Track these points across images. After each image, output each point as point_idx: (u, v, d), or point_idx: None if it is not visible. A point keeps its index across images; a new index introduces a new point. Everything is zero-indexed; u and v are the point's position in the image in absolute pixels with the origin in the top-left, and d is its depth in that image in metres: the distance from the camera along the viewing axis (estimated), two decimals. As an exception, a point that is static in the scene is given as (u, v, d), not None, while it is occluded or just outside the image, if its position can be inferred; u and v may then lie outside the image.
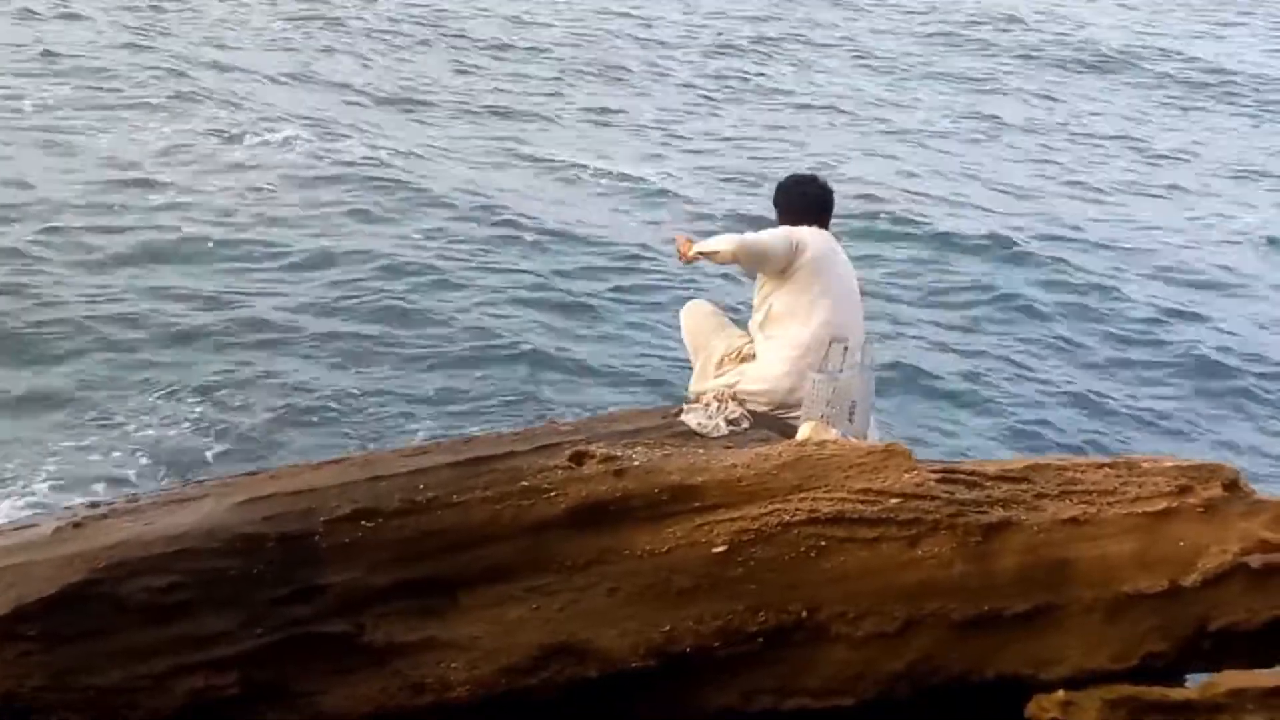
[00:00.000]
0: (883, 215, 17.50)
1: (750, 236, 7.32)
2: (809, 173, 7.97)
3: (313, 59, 22.57)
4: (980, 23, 29.36)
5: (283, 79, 21.24)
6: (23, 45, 21.37)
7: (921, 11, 30.19)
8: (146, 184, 16.22)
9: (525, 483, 5.76)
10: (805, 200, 7.49)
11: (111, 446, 10.51)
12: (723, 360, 7.42)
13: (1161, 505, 5.64)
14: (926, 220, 17.43)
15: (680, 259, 7.42)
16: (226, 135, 18.12)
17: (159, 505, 5.90)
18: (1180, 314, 15.51)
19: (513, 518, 5.62)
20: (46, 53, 21.00)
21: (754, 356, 7.35)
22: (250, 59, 22.07)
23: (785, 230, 7.28)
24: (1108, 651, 5.50)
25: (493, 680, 5.34)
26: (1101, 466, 5.94)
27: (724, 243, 7.29)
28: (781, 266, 7.17)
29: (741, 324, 7.61)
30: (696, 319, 7.71)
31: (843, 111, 22.49)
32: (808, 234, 7.25)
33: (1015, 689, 5.51)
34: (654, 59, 24.54)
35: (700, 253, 7.26)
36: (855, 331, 7.25)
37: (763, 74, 24.50)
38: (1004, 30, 28.86)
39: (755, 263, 7.28)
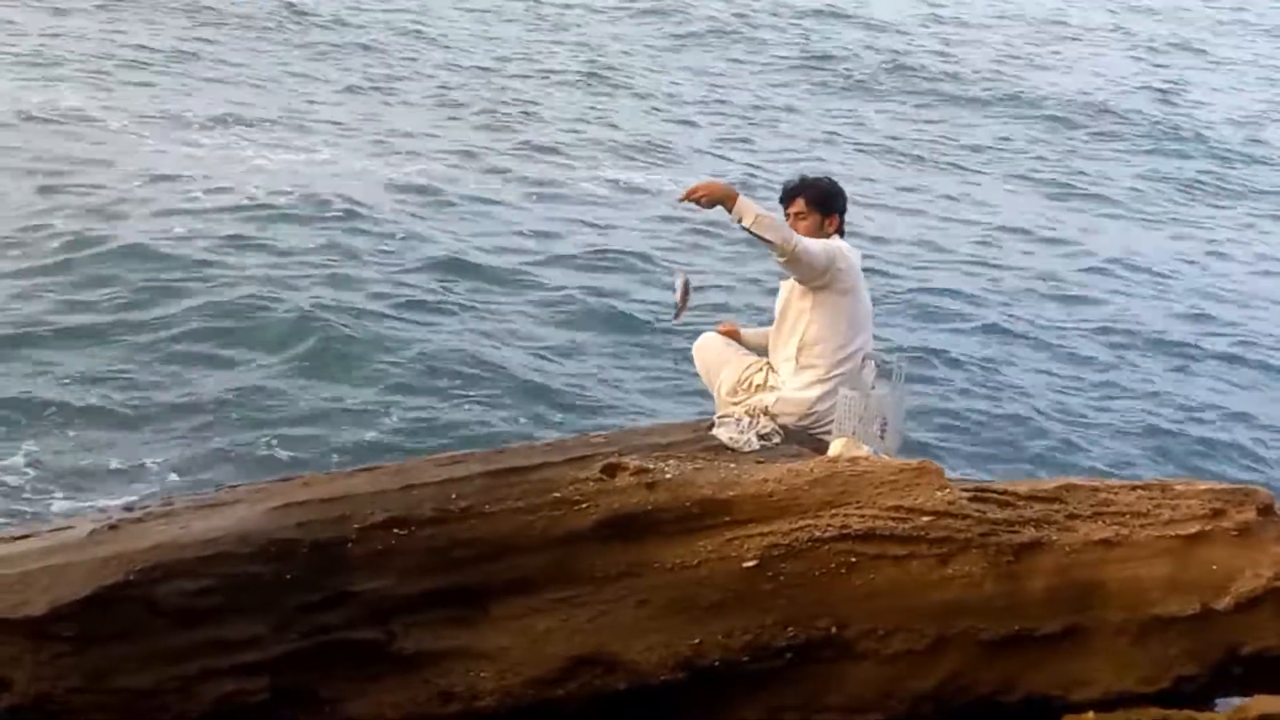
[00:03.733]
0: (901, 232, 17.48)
1: (801, 242, 6.90)
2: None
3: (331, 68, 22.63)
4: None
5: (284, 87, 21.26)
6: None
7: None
8: (173, 192, 16.33)
9: (557, 494, 5.77)
10: (843, 203, 7.44)
11: (147, 451, 10.56)
12: (735, 390, 7.39)
13: (1194, 528, 5.62)
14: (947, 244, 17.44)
15: (697, 199, 6.80)
16: (253, 146, 18.19)
17: (193, 509, 5.92)
18: (1214, 335, 15.44)
19: (544, 529, 5.64)
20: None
21: (765, 385, 7.30)
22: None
23: (830, 247, 7.10)
24: (1138, 674, 5.49)
25: (521, 690, 5.35)
26: (1134, 488, 5.93)
27: (782, 231, 6.82)
28: (814, 282, 7.11)
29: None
30: (706, 353, 7.67)
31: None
32: (845, 250, 7.20)
33: (1044, 710, 5.50)
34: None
35: (749, 226, 6.72)
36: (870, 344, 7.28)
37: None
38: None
39: (793, 266, 6.97)
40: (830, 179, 7.56)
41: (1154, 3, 36.54)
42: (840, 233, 7.36)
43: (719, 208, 6.81)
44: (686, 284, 7.37)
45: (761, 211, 6.79)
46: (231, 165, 17.41)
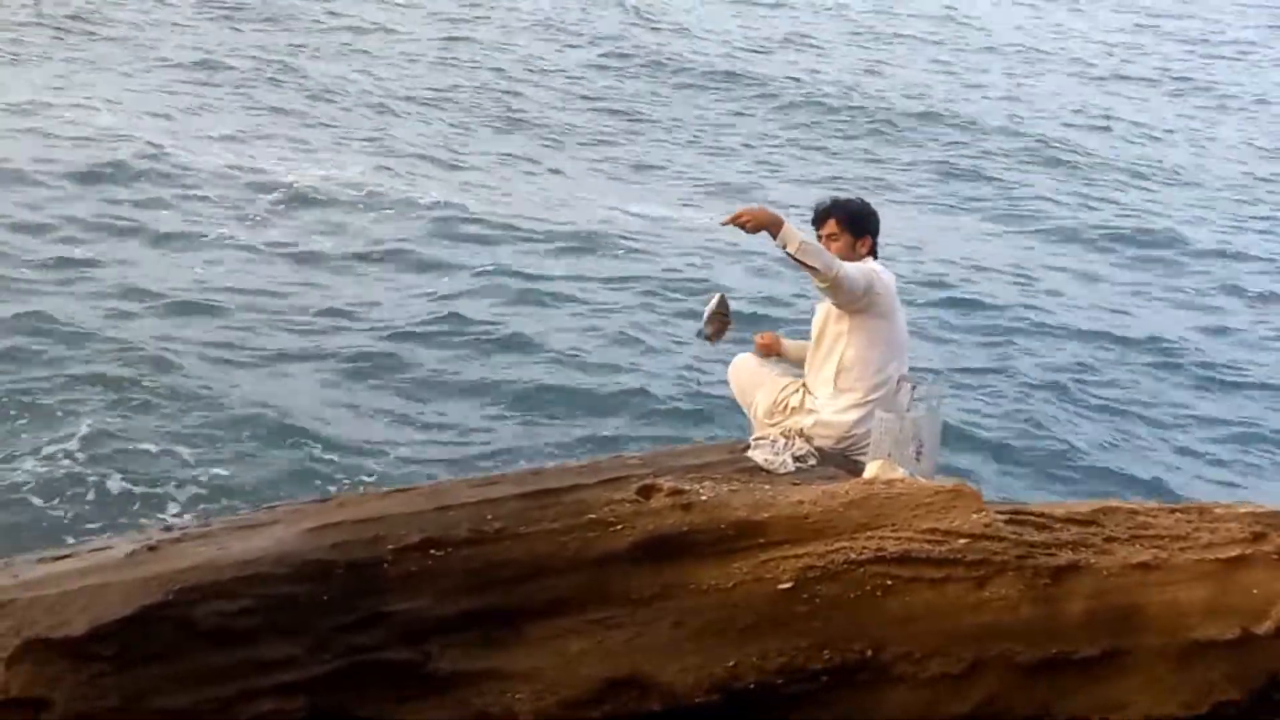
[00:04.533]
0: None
1: (842, 268, 6.93)
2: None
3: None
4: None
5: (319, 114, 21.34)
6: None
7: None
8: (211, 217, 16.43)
9: (592, 515, 5.77)
10: (876, 223, 7.43)
11: (185, 470, 10.62)
12: (771, 411, 7.38)
13: (1234, 552, 5.58)
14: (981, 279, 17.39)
15: (743, 223, 6.83)
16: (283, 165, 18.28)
17: (231, 530, 5.96)
18: (1257, 361, 15.35)
19: (579, 550, 5.64)
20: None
21: (801, 407, 7.29)
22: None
23: (867, 271, 7.11)
24: (1177, 699, 5.45)
25: (556, 712, 5.34)
26: (1173, 511, 5.90)
27: (824, 257, 6.87)
28: (853, 307, 7.11)
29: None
30: (741, 375, 7.67)
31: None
32: (881, 273, 7.20)
33: (1082, 734, 5.47)
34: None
35: (793, 252, 6.77)
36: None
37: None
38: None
39: (834, 292, 7.00)
40: (861, 200, 7.57)
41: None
42: (873, 253, 7.36)
43: (764, 233, 6.85)
44: (723, 306, 7.38)
45: (805, 238, 6.84)
46: (252, 176, 17.50)
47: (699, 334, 7.56)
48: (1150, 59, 31.16)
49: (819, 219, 7.33)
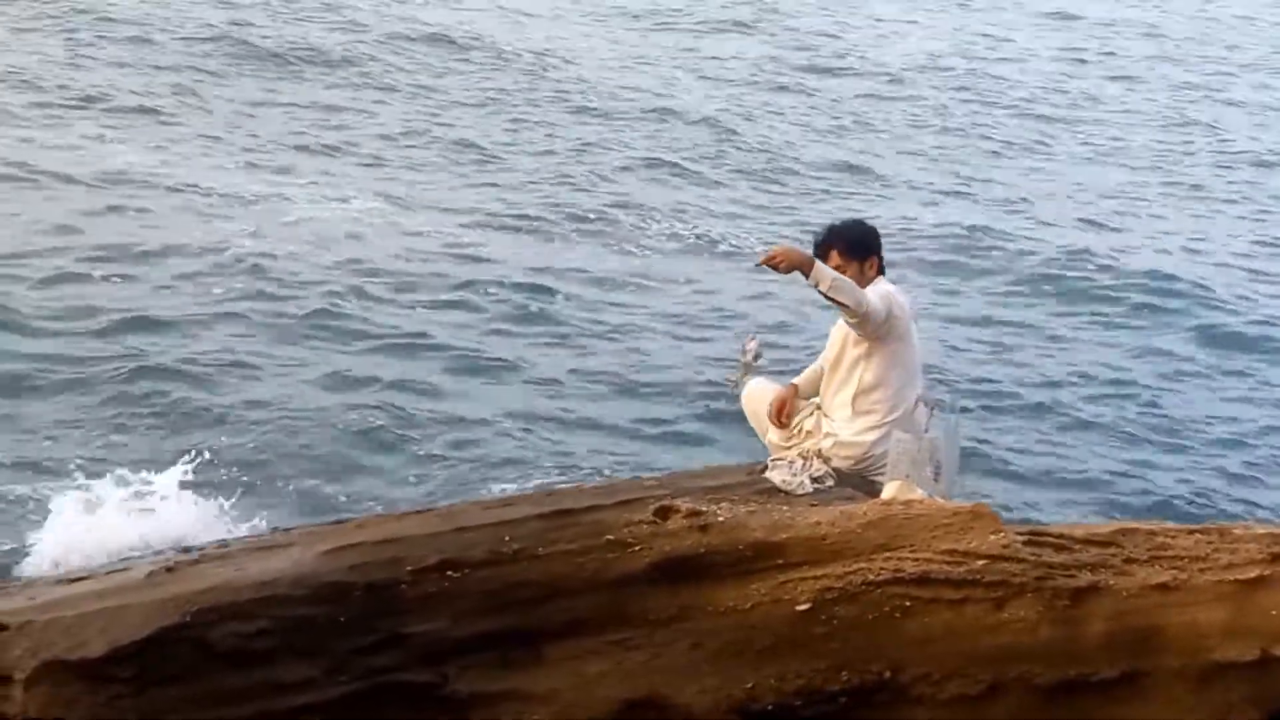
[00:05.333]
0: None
1: (870, 303, 6.99)
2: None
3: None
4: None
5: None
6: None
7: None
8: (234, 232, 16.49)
9: (610, 536, 5.78)
10: (877, 241, 7.44)
11: (200, 493, 10.63)
12: (786, 437, 7.38)
13: (1254, 573, 5.56)
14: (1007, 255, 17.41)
15: (776, 264, 6.89)
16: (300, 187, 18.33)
17: (249, 551, 5.98)
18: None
19: (596, 571, 5.64)
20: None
21: (816, 431, 7.29)
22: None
23: (885, 296, 7.11)
24: (1196, 720, 5.43)
25: (574, 733, 5.34)
26: (1192, 532, 5.88)
27: (855, 293, 6.92)
28: (876, 334, 7.12)
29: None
30: (754, 400, 7.67)
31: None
32: (897, 295, 7.21)
33: (1101, 756, 5.45)
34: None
35: (826, 291, 6.83)
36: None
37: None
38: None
39: (862, 324, 7.05)
40: (859, 221, 7.58)
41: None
42: (881, 270, 7.36)
43: (796, 272, 6.91)
44: (756, 348, 7.44)
45: (836, 276, 6.89)
46: (272, 207, 17.54)
47: (736, 383, 7.61)
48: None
49: (820, 251, 7.32)
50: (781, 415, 7.41)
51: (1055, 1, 35.26)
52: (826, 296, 6.94)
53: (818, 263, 6.92)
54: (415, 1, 28.78)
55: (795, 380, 7.61)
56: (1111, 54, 31.33)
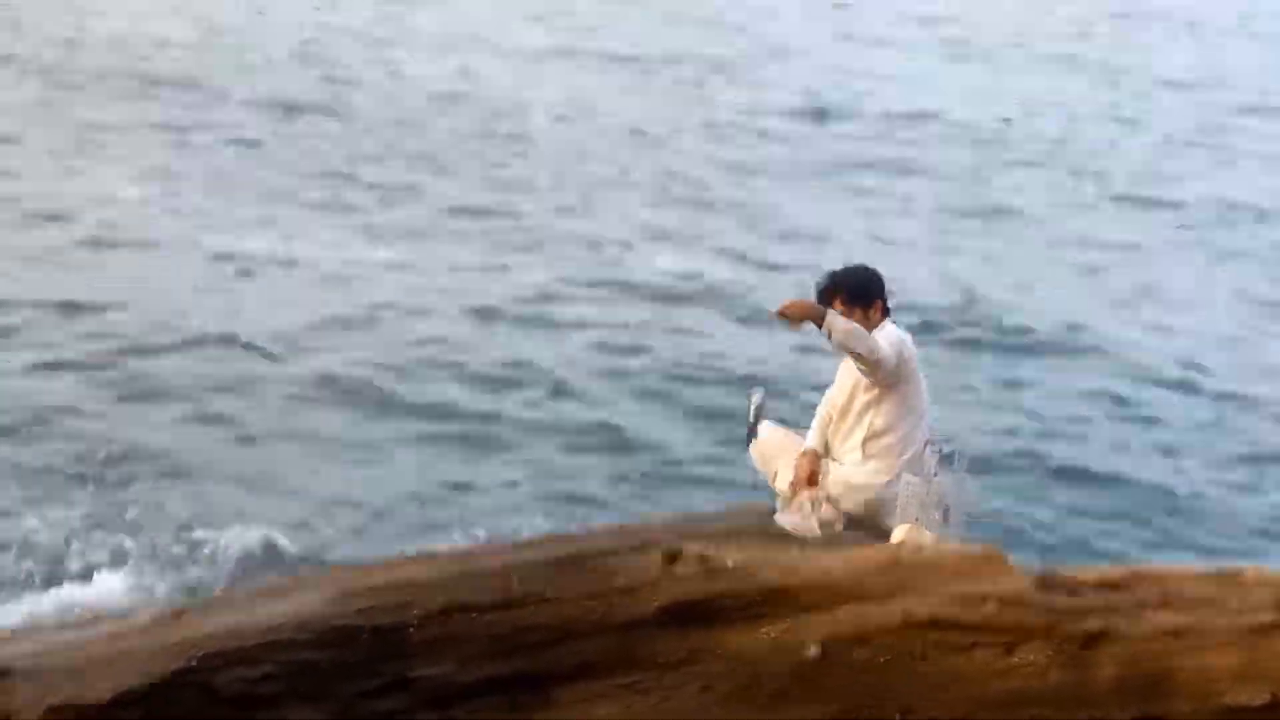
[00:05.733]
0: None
1: (880, 347, 6.95)
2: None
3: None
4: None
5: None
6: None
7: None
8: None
9: (619, 580, 5.76)
10: (881, 285, 7.43)
11: (212, 538, 10.63)
12: (795, 486, 7.34)
13: (1265, 618, 5.53)
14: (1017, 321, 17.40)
15: (789, 317, 6.86)
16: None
17: (255, 596, 5.98)
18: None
19: (605, 614, 5.62)
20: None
21: (825, 474, 7.26)
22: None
23: (894, 341, 7.10)
24: (1209, 766, 5.39)
25: (582, 778, 5.32)
26: (1203, 577, 5.85)
27: (867, 342, 6.90)
28: (887, 380, 7.11)
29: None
30: (762, 445, 7.64)
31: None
32: (907, 340, 7.20)
33: (1113, 801, 5.40)
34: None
35: (839, 340, 6.81)
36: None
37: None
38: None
39: (874, 371, 7.03)
40: (861, 266, 7.55)
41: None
42: (885, 312, 7.36)
43: (808, 323, 6.93)
44: (761, 405, 7.41)
45: (849, 325, 6.89)
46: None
47: (748, 437, 7.59)
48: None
49: (824, 298, 7.31)
50: (812, 482, 7.32)
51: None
52: (840, 347, 6.96)
53: (829, 312, 6.91)
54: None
55: (810, 443, 7.49)
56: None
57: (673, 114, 26.71)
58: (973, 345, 16.73)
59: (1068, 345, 16.97)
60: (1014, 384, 15.77)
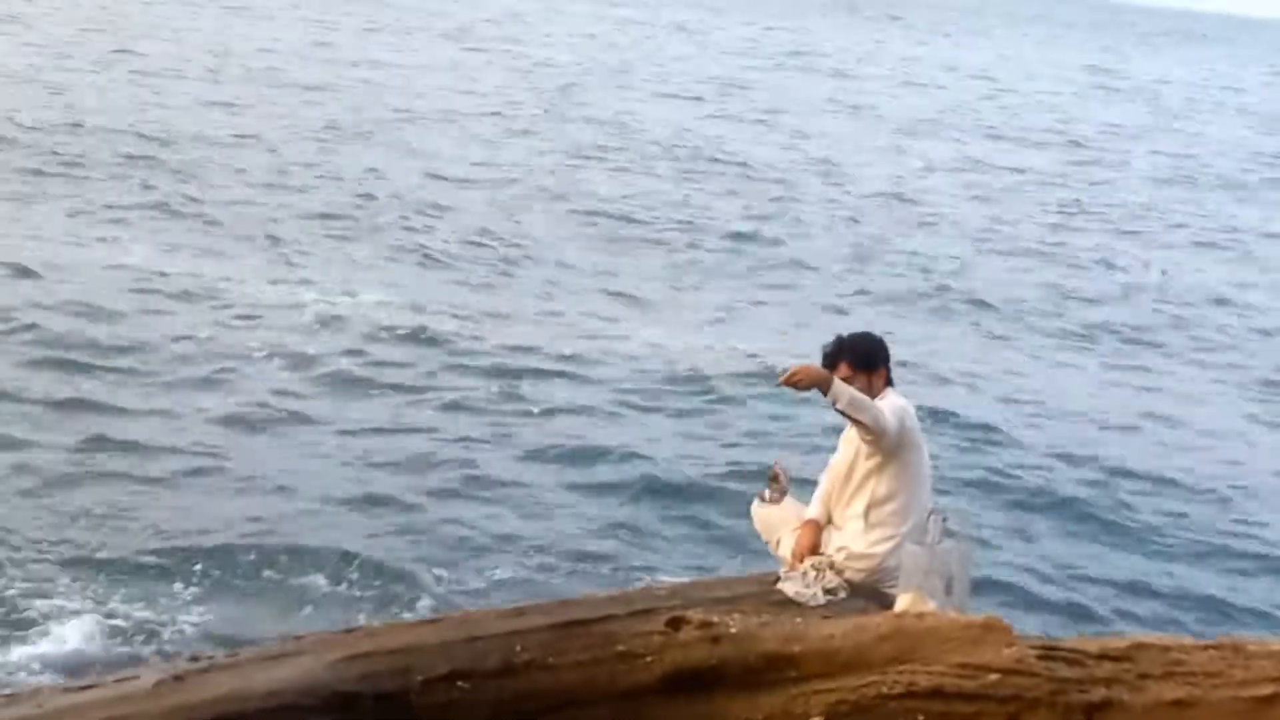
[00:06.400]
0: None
1: (885, 419, 7.00)
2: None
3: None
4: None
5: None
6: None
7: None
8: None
9: (621, 647, 5.75)
10: (886, 353, 7.47)
11: (210, 599, 10.60)
12: (797, 554, 7.34)
13: (1268, 690, 5.51)
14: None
15: (795, 382, 6.90)
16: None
17: (258, 660, 5.95)
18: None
19: (608, 681, 5.61)
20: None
21: (827, 542, 7.27)
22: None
23: (897, 410, 7.12)
24: (1212, 839, 5.36)
25: (585, 847, 5.29)
26: (1206, 648, 5.83)
27: (871, 411, 6.96)
28: (889, 448, 7.13)
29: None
30: (764, 514, 7.67)
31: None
32: (909, 408, 7.23)
33: None
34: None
35: (843, 409, 6.89)
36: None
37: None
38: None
39: (877, 440, 7.05)
40: (868, 333, 7.61)
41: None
42: (889, 381, 7.39)
43: (815, 390, 6.96)
44: (782, 474, 7.45)
45: (854, 394, 6.94)
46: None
47: (767, 501, 7.63)
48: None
49: (830, 363, 7.35)
50: (814, 552, 7.30)
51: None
52: (843, 414, 6.99)
53: (835, 380, 6.94)
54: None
55: (811, 512, 7.49)
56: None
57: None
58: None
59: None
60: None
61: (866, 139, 39.04)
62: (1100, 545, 13.46)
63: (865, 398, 7.01)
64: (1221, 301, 24.22)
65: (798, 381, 6.91)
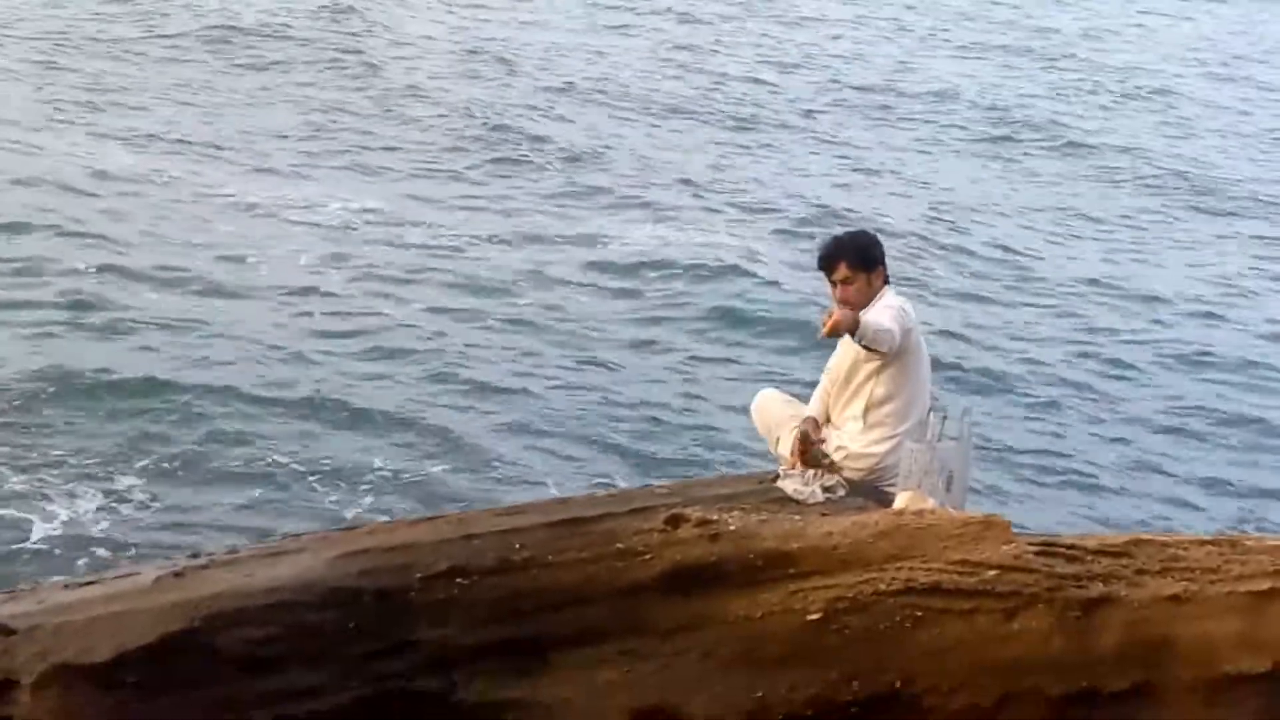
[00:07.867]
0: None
1: (893, 337, 7.00)
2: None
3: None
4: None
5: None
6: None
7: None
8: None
9: (620, 545, 5.76)
10: (881, 249, 7.42)
11: (213, 499, 10.65)
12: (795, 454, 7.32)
13: (1266, 585, 5.52)
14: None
15: (836, 334, 6.95)
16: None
17: (258, 557, 5.96)
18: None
19: (606, 580, 5.62)
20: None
21: (826, 442, 7.26)
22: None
23: (897, 314, 7.07)
24: (1209, 733, 5.39)
25: (583, 743, 5.33)
26: (1204, 543, 5.85)
27: (888, 340, 6.95)
28: (893, 352, 7.11)
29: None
30: (764, 412, 7.65)
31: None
32: (908, 308, 7.20)
33: (1112, 768, 5.41)
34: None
35: (868, 343, 6.92)
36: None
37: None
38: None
39: (885, 352, 7.05)
40: (862, 231, 7.61)
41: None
42: (886, 279, 7.35)
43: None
44: (806, 437, 7.31)
45: (876, 328, 6.90)
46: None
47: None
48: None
49: (828, 264, 7.29)
50: (805, 455, 7.28)
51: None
52: (868, 348, 6.98)
53: (863, 319, 6.89)
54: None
55: (810, 410, 7.48)
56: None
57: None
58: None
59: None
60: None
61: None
62: (1106, 440, 13.47)
63: (887, 330, 6.93)
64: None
65: (840, 330, 6.87)
